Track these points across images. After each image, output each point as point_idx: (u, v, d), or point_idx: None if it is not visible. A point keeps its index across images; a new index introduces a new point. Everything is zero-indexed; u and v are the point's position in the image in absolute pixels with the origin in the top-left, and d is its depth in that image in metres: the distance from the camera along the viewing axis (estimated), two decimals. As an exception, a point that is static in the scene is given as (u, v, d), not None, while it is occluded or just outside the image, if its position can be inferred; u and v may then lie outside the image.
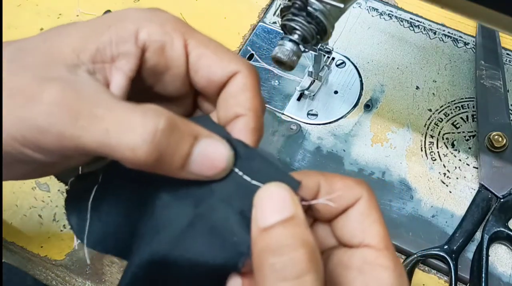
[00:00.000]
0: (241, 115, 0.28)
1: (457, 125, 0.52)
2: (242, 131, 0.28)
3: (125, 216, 0.28)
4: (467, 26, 0.58)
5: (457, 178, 0.49)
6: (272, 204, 0.24)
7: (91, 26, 0.27)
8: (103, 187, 0.28)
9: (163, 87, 0.29)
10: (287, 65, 0.39)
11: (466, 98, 0.53)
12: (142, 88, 0.29)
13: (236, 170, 0.26)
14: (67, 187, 0.30)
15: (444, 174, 0.49)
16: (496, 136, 0.48)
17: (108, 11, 0.60)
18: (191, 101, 0.31)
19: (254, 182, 0.25)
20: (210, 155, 0.25)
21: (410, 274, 0.45)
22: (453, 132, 0.52)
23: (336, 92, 0.54)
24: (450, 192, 0.48)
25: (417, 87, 0.54)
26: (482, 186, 0.47)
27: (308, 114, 0.53)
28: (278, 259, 0.23)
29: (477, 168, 0.49)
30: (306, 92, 0.54)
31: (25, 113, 0.24)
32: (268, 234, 0.24)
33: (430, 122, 0.52)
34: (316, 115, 0.53)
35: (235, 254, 0.25)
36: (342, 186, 0.27)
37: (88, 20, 0.28)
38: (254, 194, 0.25)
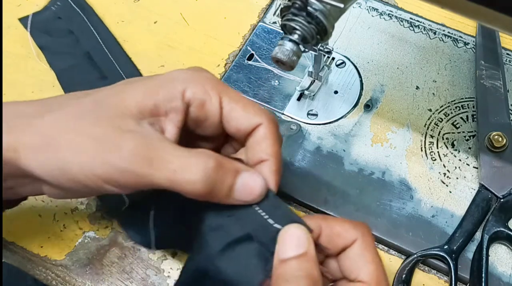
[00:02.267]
0: (265, 160, 0.35)
1: (457, 125, 0.52)
2: (266, 173, 0.35)
3: (180, 225, 0.38)
4: (467, 26, 0.58)
5: (457, 178, 0.49)
6: (291, 241, 0.32)
7: (149, 85, 0.35)
8: (158, 211, 0.37)
9: (202, 130, 0.37)
10: (287, 65, 0.39)
11: (466, 98, 0.53)
12: (186, 131, 0.36)
13: (260, 211, 0.33)
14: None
15: (444, 174, 0.49)
16: (496, 136, 0.48)
17: None
18: (222, 139, 0.39)
19: (275, 225, 0.33)
20: (249, 184, 0.33)
21: (410, 274, 0.45)
22: (453, 132, 0.52)
23: (336, 92, 0.54)
24: (450, 192, 0.48)
25: (417, 87, 0.54)
26: (482, 186, 0.47)
27: (308, 114, 0.53)
28: None
29: (477, 168, 0.49)
30: (306, 92, 0.54)
31: (111, 158, 0.31)
32: (284, 265, 0.31)
33: (430, 122, 0.52)
34: (316, 115, 0.53)
35: (254, 276, 0.32)
36: (340, 229, 0.33)
37: (146, 78, 0.36)
38: (273, 233, 0.32)
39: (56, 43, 0.58)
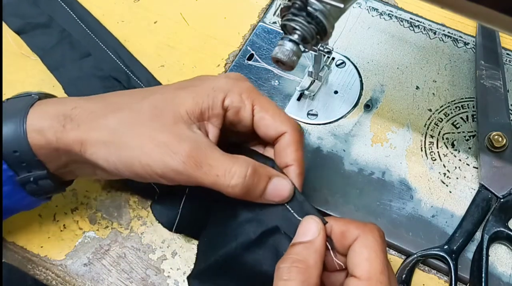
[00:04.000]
0: (290, 165, 0.41)
1: (457, 125, 0.52)
2: (292, 176, 0.40)
3: (202, 214, 0.44)
4: (467, 26, 0.58)
5: (457, 178, 0.49)
6: (303, 229, 0.37)
7: (196, 93, 0.40)
8: (189, 198, 0.44)
9: (235, 130, 0.43)
10: (287, 65, 0.39)
11: (466, 98, 0.53)
12: (223, 129, 0.42)
13: (289, 207, 0.39)
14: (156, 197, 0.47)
15: (444, 174, 0.49)
16: (496, 136, 0.48)
17: None
18: (252, 135, 0.44)
19: (299, 218, 0.38)
20: (278, 188, 0.39)
21: (410, 274, 0.45)
22: (453, 132, 0.52)
23: (336, 92, 0.54)
24: (450, 192, 0.48)
25: (417, 87, 0.54)
26: (482, 186, 0.47)
27: (308, 114, 0.53)
28: (282, 265, 0.35)
29: (477, 168, 0.49)
30: (306, 92, 0.54)
31: (169, 161, 0.37)
32: (290, 248, 0.36)
33: (430, 122, 0.52)
34: (316, 115, 0.53)
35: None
36: (345, 229, 0.36)
37: (192, 84, 0.42)
38: (297, 225, 0.38)
39: (31, 26, 0.58)
